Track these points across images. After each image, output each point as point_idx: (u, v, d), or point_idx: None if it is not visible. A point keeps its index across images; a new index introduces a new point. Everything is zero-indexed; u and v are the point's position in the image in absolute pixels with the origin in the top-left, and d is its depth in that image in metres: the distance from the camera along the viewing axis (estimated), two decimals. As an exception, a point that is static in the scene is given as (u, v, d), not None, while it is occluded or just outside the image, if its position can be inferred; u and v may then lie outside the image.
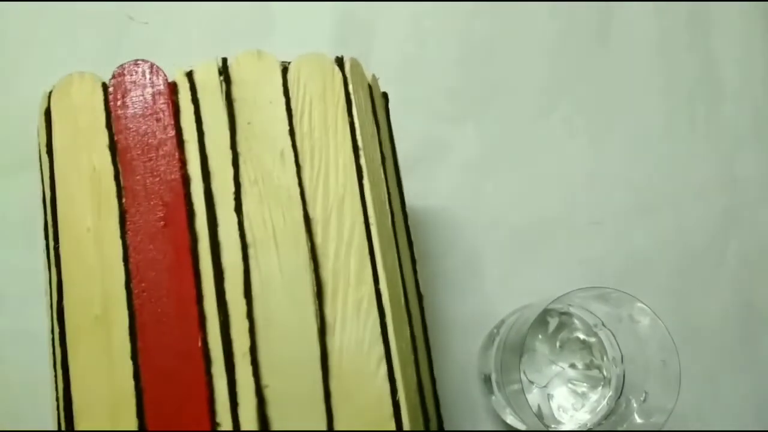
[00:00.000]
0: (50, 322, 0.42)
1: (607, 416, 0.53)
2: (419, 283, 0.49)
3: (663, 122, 0.66)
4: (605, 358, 0.54)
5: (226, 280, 0.40)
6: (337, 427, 0.38)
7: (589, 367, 0.55)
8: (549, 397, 0.53)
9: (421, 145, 0.63)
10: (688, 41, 0.68)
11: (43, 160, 0.43)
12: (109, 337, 0.40)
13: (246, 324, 0.39)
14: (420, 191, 0.61)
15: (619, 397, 0.53)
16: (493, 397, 0.55)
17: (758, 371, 0.61)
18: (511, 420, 0.55)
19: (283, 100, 0.43)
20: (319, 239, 0.41)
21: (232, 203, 0.41)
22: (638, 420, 0.50)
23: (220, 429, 0.38)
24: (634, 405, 0.51)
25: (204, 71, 0.44)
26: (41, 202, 0.43)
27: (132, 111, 0.43)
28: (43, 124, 0.43)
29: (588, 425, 0.53)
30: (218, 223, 0.41)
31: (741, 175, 0.66)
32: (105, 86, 0.43)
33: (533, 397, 0.53)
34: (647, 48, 0.68)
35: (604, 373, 0.54)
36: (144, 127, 0.43)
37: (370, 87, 0.47)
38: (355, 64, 0.45)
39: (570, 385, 0.54)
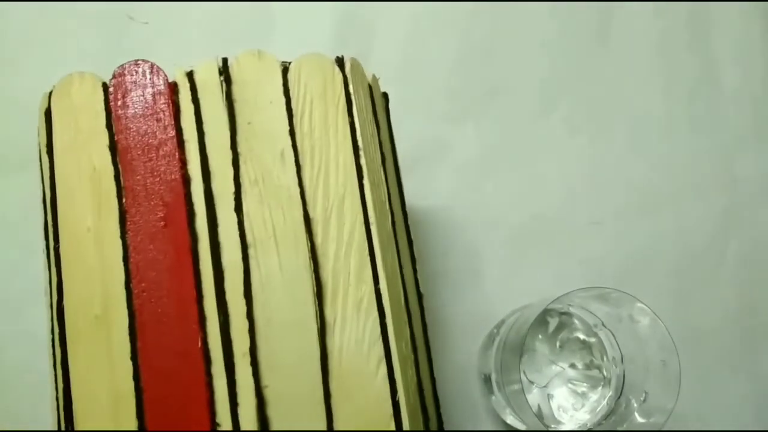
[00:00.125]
0: (50, 322, 0.42)
1: (607, 416, 0.53)
2: (419, 282, 0.49)
3: (663, 122, 0.66)
4: (605, 358, 0.54)
5: (226, 280, 0.40)
6: (336, 427, 0.38)
7: (589, 367, 0.55)
8: (549, 397, 0.53)
9: (421, 145, 0.63)
10: (688, 41, 0.68)
11: (43, 160, 0.43)
12: (109, 337, 0.40)
13: (246, 324, 0.39)
14: (420, 191, 0.61)
15: (619, 397, 0.53)
16: (493, 397, 0.55)
17: (758, 371, 0.61)
18: (511, 420, 0.55)
19: (283, 100, 0.43)
20: (319, 239, 0.41)
21: (232, 203, 0.41)
22: (638, 420, 0.50)
23: (219, 429, 0.38)
24: (634, 405, 0.51)
25: (204, 71, 0.44)
26: (41, 202, 0.43)
27: (132, 111, 0.43)
28: (44, 124, 0.43)
29: (588, 425, 0.53)
30: (218, 223, 0.41)
31: (741, 175, 0.66)
32: (105, 86, 0.43)
33: (533, 397, 0.53)
34: (647, 48, 0.68)
35: (604, 373, 0.54)
36: (144, 127, 0.43)
37: (370, 87, 0.47)
38: (356, 64, 0.45)
39: (570, 385, 0.54)
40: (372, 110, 0.46)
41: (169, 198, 0.41)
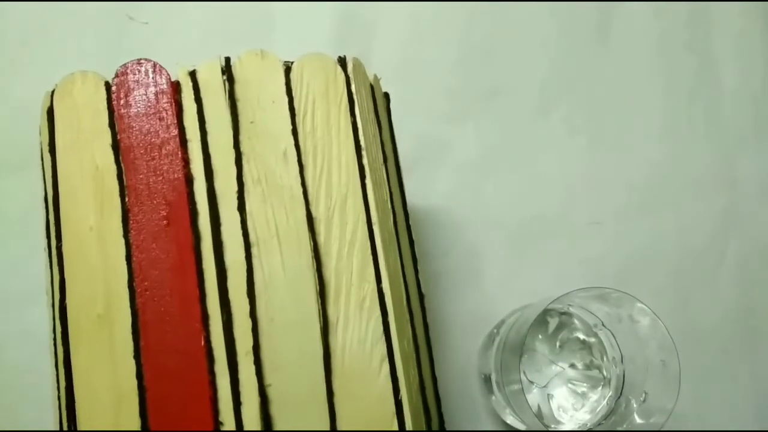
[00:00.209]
0: (52, 322, 0.42)
1: (607, 416, 0.53)
2: (420, 282, 0.49)
3: (663, 122, 0.66)
4: (605, 358, 0.54)
5: (228, 279, 0.40)
6: (339, 426, 0.39)
7: (589, 367, 0.55)
8: (549, 397, 0.54)
9: (421, 145, 0.63)
10: (688, 41, 0.68)
11: (45, 159, 0.43)
12: (111, 336, 0.40)
13: (249, 323, 0.40)
14: (420, 191, 0.61)
15: (619, 397, 0.53)
16: (493, 397, 0.55)
17: (758, 371, 0.61)
18: (511, 420, 0.55)
19: (285, 99, 0.43)
20: (321, 238, 0.41)
21: (235, 202, 0.41)
22: (638, 420, 0.50)
23: (223, 428, 0.38)
24: (634, 405, 0.51)
25: (207, 70, 0.44)
26: (43, 201, 0.43)
27: (135, 110, 0.43)
28: (46, 123, 0.43)
29: (588, 425, 0.53)
30: (221, 222, 0.41)
31: (741, 175, 0.66)
32: (108, 85, 0.43)
33: (533, 397, 0.53)
34: (647, 48, 0.68)
35: (604, 373, 0.54)
36: (147, 126, 0.43)
37: (372, 87, 0.47)
38: (358, 64, 0.45)
39: (570, 385, 0.54)
40: (374, 110, 0.46)
41: (172, 197, 0.41)
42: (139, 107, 0.43)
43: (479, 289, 0.61)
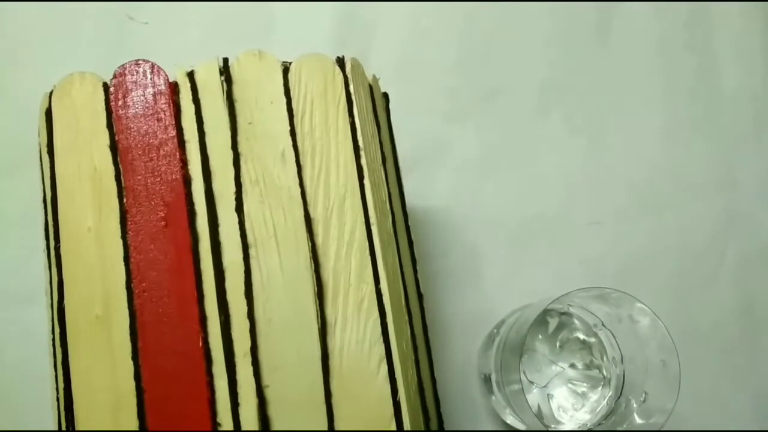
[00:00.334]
0: (51, 322, 0.42)
1: (607, 416, 0.53)
2: (419, 282, 0.49)
3: (663, 122, 0.66)
4: (605, 358, 0.54)
5: (226, 280, 0.40)
6: (337, 427, 0.38)
7: (589, 367, 0.55)
8: (549, 397, 0.53)
9: (421, 145, 0.63)
10: (688, 41, 0.68)
11: (43, 160, 0.43)
12: (109, 337, 0.40)
13: (247, 324, 0.40)
14: (420, 191, 0.61)
15: (619, 397, 0.53)
16: (493, 397, 0.55)
17: (758, 371, 0.61)
18: (511, 420, 0.55)
19: (284, 100, 0.43)
20: (319, 239, 0.41)
21: (233, 203, 0.41)
22: (638, 420, 0.50)
23: (221, 429, 0.38)
24: (634, 405, 0.51)
25: (205, 71, 0.44)
26: (41, 202, 0.43)
27: (133, 111, 0.43)
28: (44, 124, 0.43)
29: (588, 425, 0.53)
30: (219, 223, 0.41)
31: (741, 175, 0.66)
32: (106, 86, 0.43)
33: (533, 397, 0.53)
34: (647, 48, 0.68)
35: (604, 373, 0.54)
36: (145, 127, 0.43)
37: (370, 87, 0.47)
38: (356, 64, 0.45)
39: (570, 385, 0.54)
40: (372, 110, 0.46)
41: (170, 198, 0.41)
42: (137, 108, 0.43)
43: (479, 289, 0.61)
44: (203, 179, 0.42)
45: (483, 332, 0.59)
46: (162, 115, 0.43)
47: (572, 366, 0.54)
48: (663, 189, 0.65)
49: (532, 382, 0.53)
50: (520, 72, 0.66)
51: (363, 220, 0.42)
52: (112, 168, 0.42)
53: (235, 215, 0.41)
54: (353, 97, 0.44)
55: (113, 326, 0.40)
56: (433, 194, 0.63)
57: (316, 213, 0.41)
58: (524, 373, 0.53)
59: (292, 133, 0.43)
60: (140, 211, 0.41)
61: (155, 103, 0.43)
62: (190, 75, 0.44)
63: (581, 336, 0.55)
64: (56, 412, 0.40)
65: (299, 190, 0.42)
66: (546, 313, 0.54)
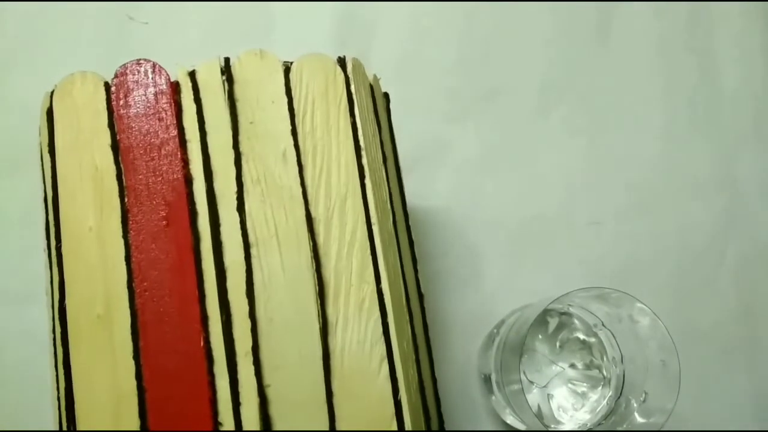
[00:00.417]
0: (52, 322, 0.42)
1: (607, 416, 0.53)
2: (420, 282, 0.49)
3: (663, 122, 0.66)
4: (605, 358, 0.54)
5: (228, 280, 0.40)
6: (339, 426, 0.39)
7: (589, 367, 0.55)
8: (549, 397, 0.53)
9: (421, 145, 0.63)
10: (688, 41, 0.68)
11: (44, 160, 0.43)
12: (111, 337, 0.40)
13: (248, 323, 0.40)
14: (420, 191, 0.61)
15: (619, 397, 0.53)
16: (493, 397, 0.55)
17: (758, 371, 0.61)
18: (511, 420, 0.55)
19: (285, 99, 0.43)
20: (321, 239, 0.41)
21: (234, 203, 0.41)
22: (638, 420, 0.50)
23: (222, 428, 0.38)
24: (634, 405, 0.51)
25: (206, 71, 0.44)
26: (42, 201, 0.43)
27: (134, 110, 0.43)
28: (45, 124, 0.43)
29: (588, 425, 0.53)
30: (220, 223, 0.41)
31: (741, 175, 0.66)
32: (107, 86, 0.43)
33: (533, 397, 0.53)
34: (647, 48, 0.68)
35: (604, 373, 0.54)
36: (146, 127, 0.43)
37: (371, 87, 0.47)
38: (357, 64, 0.45)
39: (570, 385, 0.54)
40: (373, 110, 0.46)
41: (171, 197, 0.41)
42: (138, 108, 0.43)
43: (479, 289, 0.61)
44: (204, 179, 0.42)
45: (483, 332, 0.59)
46: (163, 115, 0.43)
47: (572, 366, 0.54)
48: (663, 189, 0.65)
49: (532, 382, 0.53)
50: (520, 72, 0.66)
51: (364, 219, 0.42)
52: (113, 167, 0.42)
53: (237, 215, 0.41)
54: (354, 97, 0.44)
55: (114, 326, 0.40)
56: (433, 194, 0.63)
57: (318, 213, 0.42)
58: (524, 373, 0.53)
59: (294, 132, 0.43)
60: (141, 211, 0.41)
61: (156, 103, 0.43)
62: (192, 74, 0.44)
63: (581, 336, 0.55)
64: (57, 412, 0.40)
65: (300, 190, 0.42)
66: (546, 313, 0.54)
